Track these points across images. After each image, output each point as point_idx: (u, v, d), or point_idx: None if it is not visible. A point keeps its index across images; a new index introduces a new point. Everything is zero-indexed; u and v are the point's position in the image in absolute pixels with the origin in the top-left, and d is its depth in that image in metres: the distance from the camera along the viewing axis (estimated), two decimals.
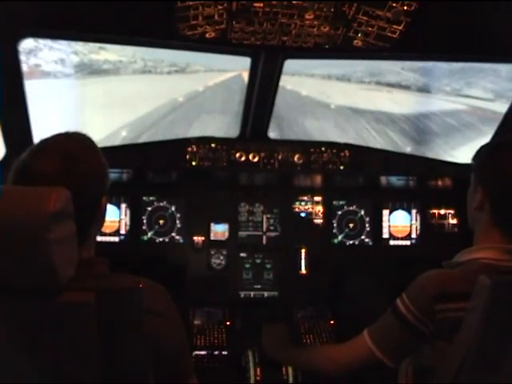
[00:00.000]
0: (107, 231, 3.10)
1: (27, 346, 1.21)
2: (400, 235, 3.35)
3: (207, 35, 2.36)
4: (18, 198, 1.19)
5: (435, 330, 1.67)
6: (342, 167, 3.04)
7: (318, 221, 3.27)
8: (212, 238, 3.16)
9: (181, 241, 3.17)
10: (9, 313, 1.21)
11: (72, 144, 1.46)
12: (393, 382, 1.94)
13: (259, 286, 3.16)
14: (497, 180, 1.74)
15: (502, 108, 3.00)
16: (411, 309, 1.69)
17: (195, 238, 3.15)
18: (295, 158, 3.01)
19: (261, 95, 2.88)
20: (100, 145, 1.55)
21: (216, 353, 2.74)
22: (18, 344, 1.21)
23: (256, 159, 2.99)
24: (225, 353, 2.74)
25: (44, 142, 1.45)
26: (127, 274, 1.44)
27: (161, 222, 3.17)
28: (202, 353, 2.72)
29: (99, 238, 3.41)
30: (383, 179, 3.26)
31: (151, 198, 3.17)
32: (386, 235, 3.34)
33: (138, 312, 1.28)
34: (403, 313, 1.71)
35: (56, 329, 1.21)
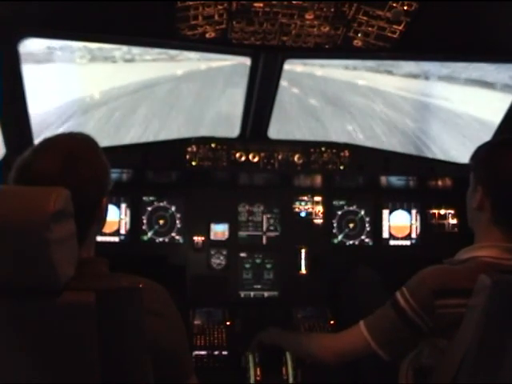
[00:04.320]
0: (107, 231, 3.10)
1: (27, 346, 1.21)
2: (400, 235, 3.35)
3: (207, 35, 2.36)
4: (18, 197, 1.19)
5: (435, 326, 1.67)
6: (341, 167, 3.04)
7: (318, 221, 3.27)
8: (212, 237, 3.16)
9: (181, 241, 3.17)
10: (9, 313, 1.21)
11: (74, 144, 1.47)
12: (393, 382, 1.94)
13: (259, 286, 3.16)
14: (496, 179, 1.74)
15: None
16: (410, 302, 1.69)
17: (195, 238, 3.15)
18: (295, 158, 3.01)
19: (261, 95, 2.88)
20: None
21: (216, 353, 2.73)
22: (18, 344, 1.21)
23: (256, 159, 2.99)
24: (225, 353, 2.74)
25: (46, 141, 1.47)
26: (127, 274, 1.44)
27: (161, 222, 3.17)
28: (202, 353, 2.72)
29: (99, 238, 3.41)
30: (383, 179, 3.26)
31: (151, 198, 3.17)
32: (386, 235, 3.34)
33: (138, 312, 1.28)
34: (402, 306, 1.71)
35: (56, 328, 1.21)
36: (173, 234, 3.17)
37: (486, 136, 2.88)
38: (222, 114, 14.43)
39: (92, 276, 1.38)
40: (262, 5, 2.14)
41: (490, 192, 1.75)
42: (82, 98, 15.68)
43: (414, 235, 3.35)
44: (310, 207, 3.27)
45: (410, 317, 1.69)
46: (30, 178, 1.36)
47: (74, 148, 1.45)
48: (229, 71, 19.52)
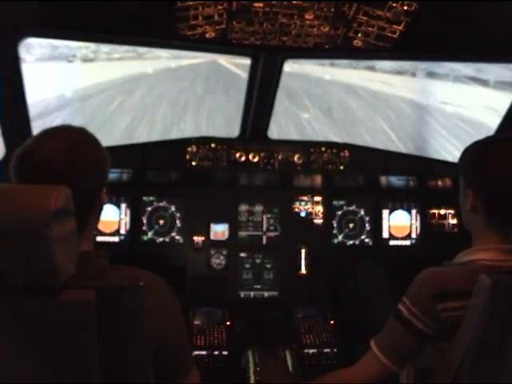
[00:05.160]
0: (107, 231, 3.10)
1: (27, 345, 1.21)
2: (400, 235, 3.35)
3: (207, 35, 2.36)
4: (18, 195, 1.19)
5: (439, 330, 1.65)
6: (341, 167, 3.04)
7: (318, 221, 3.27)
8: (212, 238, 3.16)
9: (181, 241, 3.17)
10: (9, 311, 1.21)
11: (76, 134, 1.49)
12: (394, 382, 1.93)
13: (259, 286, 3.16)
14: (485, 180, 1.71)
15: None
16: (413, 311, 1.67)
17: (195, 238, 3.15)
18: (295, 158, 3.01)
19: (261, 95, 2.88)
20: None
21: (216, 353, 2.73)
22: (18, 342, 1.21)
23: (256, 159, 2.99)
24: (225, 353, 2.74)
25: (48, 130, 1.48)
26: (126, 266, 1.46)
27: (161, 222, 3.17)
28: (202, 353, 2.72)
29: (99, 239, 3.42)
30: (383, 179, 3.26)
31: (151, 198, 3.17)
32: (385, 235, 3.34)
33: (139, 310, 1.28)
34: (406, 317, 1.68)
35: (56, 327, 1.21)
36: (173, 234, 3.17)
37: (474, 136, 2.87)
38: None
39: (92, 270, 1.38)
40: (261, 5, 2.14)
41: (480, 194, 1.73)
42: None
43: (413, 235, 3.35)
44: (310, 207, 3.27)
45: (416, 325, 1.67)
46: (31, 165, 1.37)
47: (76, 137, 1.46)
48: (202, 70, 19.39)
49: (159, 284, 1.50)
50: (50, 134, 1.46)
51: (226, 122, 13.51)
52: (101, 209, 1.56)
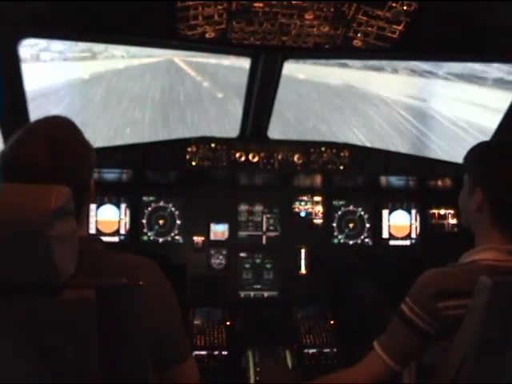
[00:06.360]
0: (107, 231, 3.10)
1: (27, 345, 1.21)
2: (400, 235, 3.35)
3: (207, 35, 2.36)
4: (18, 195, 1.19)
5: (440, 328, 1.66)
6: (341, 167, 3.04)
7: (318, 221, 3.27)
8: (212, 238, 3.16)
9: (181, 241, 3.17)
10: (9, 311, 1.21)
11: (57, 132, 1.43)
12: (396, 381, 1.93)
13: (259, 286, 3.16)
14: (495, 180, 1.72)
15: None
16: (415, 310, 1.68)
17: (195, 238, 3.15)
18: (295, 158, 3.01)
19: (261, 95, 2.89)
20: None
21: (216, 353, 2.73)
22: (18, 342, 1.21)
23: (256, 159, 2.99)
24: (225, 353, 2.74)
25: (27, 131, 1.43)
26: (120, 252, 1.52)
27: (161, 222, 3.17)
28: (202, 353, 2.72)
29: None
30: (383, 179, 3.26)
31: (151, 198, 3.17)
32: (385, 235, 3.34)
33: (138, 309, 1.29)
34: (408, 316, 1.70)
35: (57, 326, 1.22)
36: (173, 234, 3.17)
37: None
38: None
39: (89, 254, 1.37)
40: (261, 5, 2.14)
41: (489, 194, 1.74)
42: None
43: (413, 235, 3.35)
44: (310, 207, 3.27)
45: (417, 324, 1.68)
46: (16, 172, 1.35)
47: (58, 137, 1.41)
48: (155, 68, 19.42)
49: (152, 268, 1.50)
50: (30, 134, 1.41)
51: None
52: (91, 196, 1.55)
